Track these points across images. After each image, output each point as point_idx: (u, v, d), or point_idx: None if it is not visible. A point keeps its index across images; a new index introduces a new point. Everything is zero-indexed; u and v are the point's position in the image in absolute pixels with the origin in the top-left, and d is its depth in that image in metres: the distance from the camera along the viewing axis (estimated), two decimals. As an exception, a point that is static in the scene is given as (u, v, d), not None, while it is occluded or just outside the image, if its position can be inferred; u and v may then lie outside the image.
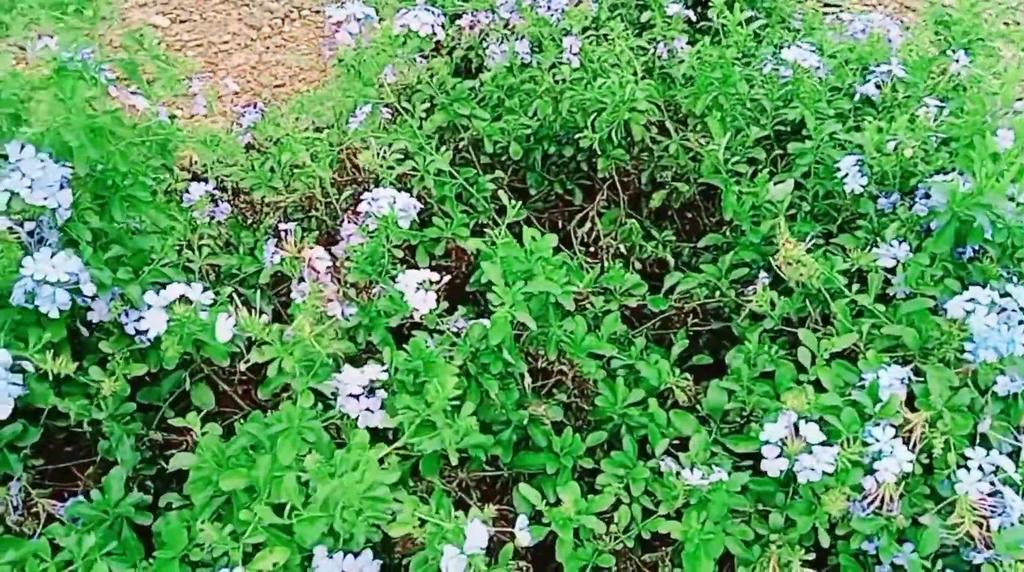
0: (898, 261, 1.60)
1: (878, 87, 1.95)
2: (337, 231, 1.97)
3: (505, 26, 2.39)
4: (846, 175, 1.77)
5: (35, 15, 1.58)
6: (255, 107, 2.09)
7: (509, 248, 1.57)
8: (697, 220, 2.33)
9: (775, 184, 1.95)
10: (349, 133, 2.04)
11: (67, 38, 1.56)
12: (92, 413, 1.58)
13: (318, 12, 4.22)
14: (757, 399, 1.65)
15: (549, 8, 2.17)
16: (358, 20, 1.90)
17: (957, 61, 1.88)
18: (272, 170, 2.04)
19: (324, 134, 2.07)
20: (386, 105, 2.07)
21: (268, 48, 3.95)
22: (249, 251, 1.90)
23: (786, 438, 1.37)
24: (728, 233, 2.10)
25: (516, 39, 2.25)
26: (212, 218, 1.88)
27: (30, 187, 1.47)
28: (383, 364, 1.52)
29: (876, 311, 1.55)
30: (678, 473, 1.48)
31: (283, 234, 1.71)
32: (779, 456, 1.37)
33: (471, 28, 2.43)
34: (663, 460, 1.53)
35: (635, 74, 1.97)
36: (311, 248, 1.71)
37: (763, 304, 1.77)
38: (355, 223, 1.92)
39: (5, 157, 1.54)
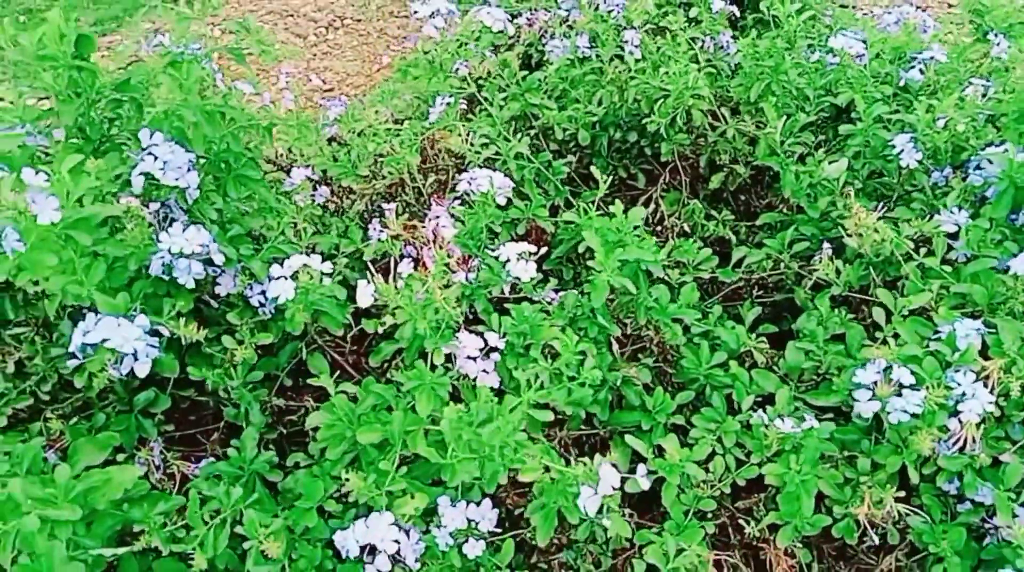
0: (959, 227, 1.74)
1: (921, 72, 2.09)
2: (424, 214, 2.10)
3: (563, 22, 2.53)
4: (901, 151, 1.91)
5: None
6: (339, 100, 2.22)
7: (603, 220, 1.70)
8: (749, 202, 2.47)
9: (829, 163, 2.09)
10: (430, 122, 2.17)
11: (180, 29, 1.68)
12: (224, 381, 1.69)
13: (359, 21, 4.35)
14: (832, 358, 1.78)
15: (608, 4, 2.30)
16: (443, 14, 2.02)
17: (998, 44, 2.02)
18: (360, 158, 2.16)
19: (405, 124, 2.20)
20: (462, 96, 2.21)
21: (315, 55, 4.08)
22: (343, 233, 2.02)
23: (876, 383, 1.50)
24: (784, 211, 2.24)
25: (577, 34, 2.38)
26: (312, 201, 2.00)
27: (163, 169, 1.59)
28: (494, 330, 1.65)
29: (943, 272, 1.68)
30: (767, 425, 1.61)
31: (386, 214, 1.84)
32: (871, 399, 1.50)
33: (530, 25, 2.57)
34: (754, 413, 1.66)
35: (696, 62, 2.10)
36: (436, 216, 1.85)
37: (829, 272, 1.90)
38: (441, 205, 2.05)
39: (135, 139, 1.67)
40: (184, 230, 1.57)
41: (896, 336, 1.65)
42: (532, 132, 2.27)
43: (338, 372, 1.86)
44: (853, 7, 3.85)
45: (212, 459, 1.82)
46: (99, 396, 1.85)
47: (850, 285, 1.91)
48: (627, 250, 1.68)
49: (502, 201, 1.79)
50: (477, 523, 1.59)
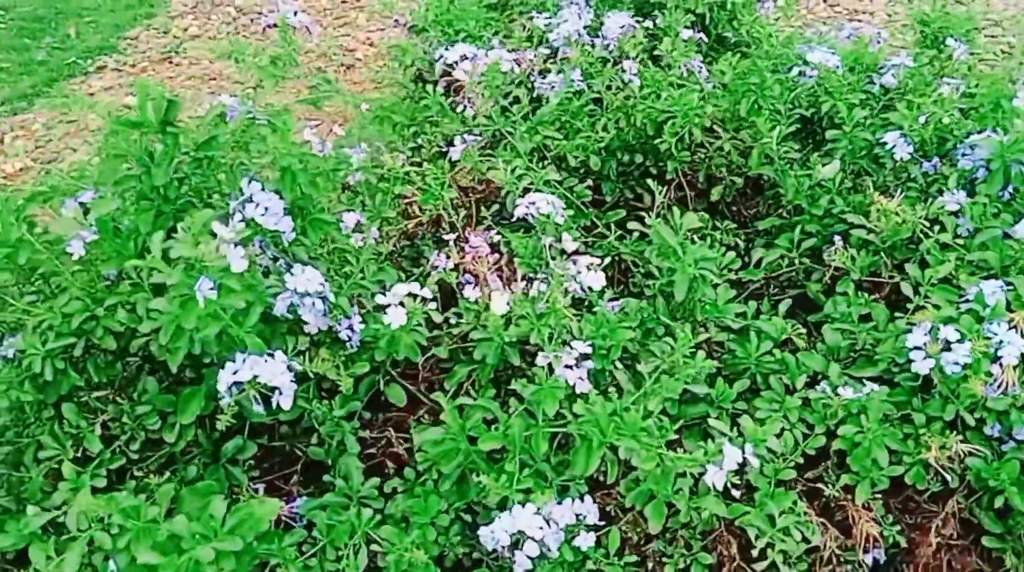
0: (960, 205, 1.98)
1: (893, 77, 2.36)
2: (461, 246, 2.22)
3: (546, 60, 2.71)
4: (894, 146, 2.16)
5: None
6: (360, 147, 2.33)
7: (662, 227, 1.87)
8: (740, 211, 2.68)
9: (823, 166, 2.33)
10: (453, 159, 2.30)
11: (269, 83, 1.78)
12: (329, 414, 1.77)
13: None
14: (865, 335, 1.98)
15: (605, 39, 2.49)
16: (467, 59, 2.17)
17: (958, 49, 2.31)
18: (384, 202, 2.27)
19: (425, 166, 2.33)
20: (476, 134, 2.36)
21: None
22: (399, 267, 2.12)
23: (925, 343, 1.70)
24: (783, 215, 2.46)
25: (571, 69, 2.56)
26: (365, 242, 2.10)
27: (264, 214, 1.68)
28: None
29: (955, 245, 1.91)
30: (833, 395, 1.79)
31: (450, 245, 1.96)
32: (925, 358, 1.70)
33: (519, 64, 2.74)
34: (818, 386, 1.84)
35: (700, 88, 2.31)
36: (476, 246, 1.98)
37: (845, 260, 2.11)
38: (479, 236, 2.18)
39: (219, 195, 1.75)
40: (303, 271, 1.65)
41: (924, 306, 1.86)
42: (545, 162, 2.42)
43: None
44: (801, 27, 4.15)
45: (305, 497, 1.88)
46: (182, 451, 1.90)
47: (863, 270, 2.13)
48: (689, 251, 1.84)
49: (560, 220, 1.94)
50: (584, 517, 1.70)
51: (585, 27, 2.58)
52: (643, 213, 2.55)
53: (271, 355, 1.60)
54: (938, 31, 2.52)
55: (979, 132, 2.05)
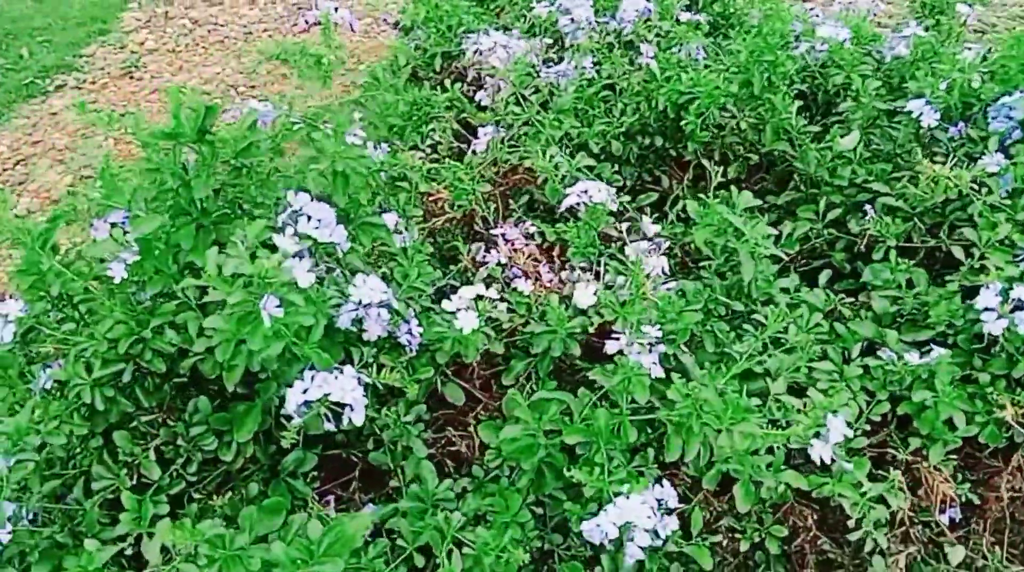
0: (999, 167, 2.00)
1: (907, 47, 2.39)
2: (494, 240, 2.18)
3: (551, 48, 2.68)
4: (920, 114, 2.18)
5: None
6: (381, 145, 2.27)
7: (717, 207, 1.86)
8: (750, 187, 2.69)
9: (842, 137, 2.34)
10: (478, 152, 2.26)
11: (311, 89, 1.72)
12: (397, 419, 1.72)
13: (253, 87, 4.40)
14: (911, 301, 2.00)
15: (621, 22, 2.47)
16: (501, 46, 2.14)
17: (971, 8, 2.34)
18: (410, 200, 2.22)
19: (446, 162, 2.28)
20: (498, 126, 2.32)
21: None
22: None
23: (994, 305, 1.72)
24: (801, 189, 2.47)
25: (581, 56, 2.54)
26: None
27: (317, 227, 1.62)
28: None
29: (1003, 205, 1.94)
30: (899, 361, 1.80)
31: (506, 240, 1.92)
32: (998, 318, 1.72)
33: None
34: (880, 353, 1.84)
35: (727, 67, 2.31)
36: (513, 239, 1.94)
37: (882, 229, 2.13)
38: (515, 229, 2.15)
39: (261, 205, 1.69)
40: (365, 281, 1.60)
41: (980, 268, 1.88)
42: (567, 150, 2.40)
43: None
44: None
45: (372, 505, 1.83)
46: (239, 470, 1.83)
47: (899, 237, 2.14)
48: (752, 230, 1.83)
49: (613, 207, 1.91)
50: (665, 501, 1.69)
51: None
52: (665, 193, 2.57)
53: (339, 370, 1.55)
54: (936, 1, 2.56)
55: (1008, 95, 2.08)
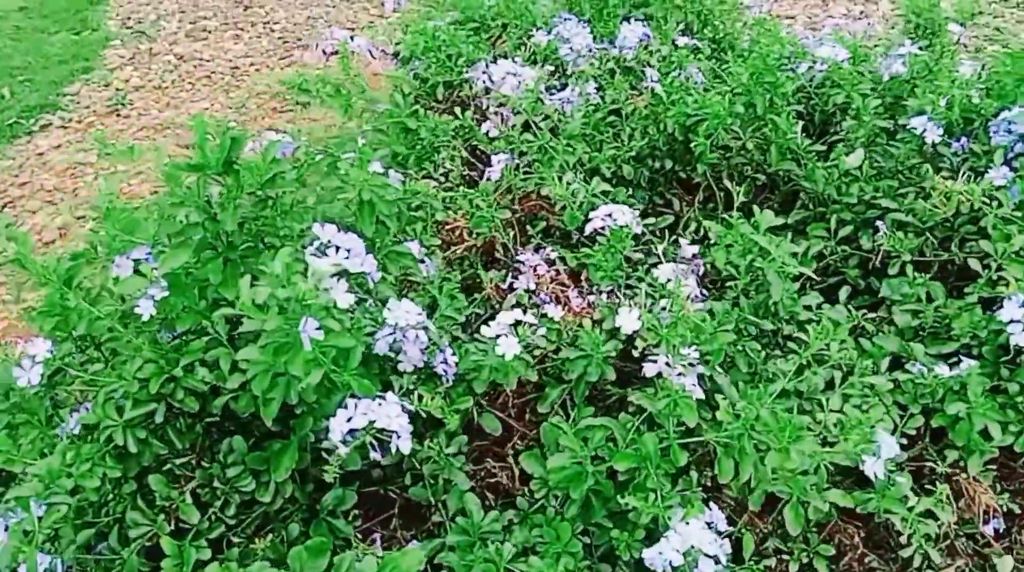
0: (1007, 179, 2.05)
1: (904, 65, 2.44)
2: (514, 266, 2.18)
3: (552, 75, 2.70)
4: (924, 131, 2.22)
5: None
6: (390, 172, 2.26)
7: (741, 227, 1.87)
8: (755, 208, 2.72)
9: (846, 156, 2.38)
10: (492, 180, 2.26)
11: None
12: (438, 452, 1.69)
13: (245, 120, 4.35)
14: (932, 314, 2.03)
15: (624, 49, 2.50)
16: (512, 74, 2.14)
17: (963, 27, 2.41)
18: (426, 230, 2.21)
19: (459, 190, 2.28)
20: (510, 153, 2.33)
21: None
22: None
23: (1019, 316, 1.75)
24: (809, 207, 2.50)
25: (584, 82, 2.56)
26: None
27: (347, 257, 1.60)
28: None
29: (1014, 217, 1.98)
30: (929, 373, 1.82)
31: (528, 267, 1.92)
32: (1024, 329, 1.75)
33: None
34: (909, 366, 1.86)
35: (732, 89, 2.34)
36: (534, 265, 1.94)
37: (895, 244, 2.16)
38: (535, 254, 2.15)
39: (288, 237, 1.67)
40: (399, 304, 1.58)
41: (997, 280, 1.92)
42: (581, 175, 2.41)
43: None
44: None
45: (416, 542, 1.79)
46: (277, 511, 1.79)
47: (913, 252, 2.18)
48: (777, 249, 1.85)
49: (638, 230, 1.92)
50: (715, 524, 1.68)
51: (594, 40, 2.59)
52: (678, 218, 2.58)
53: (382, 397, 1.52)
54: (927, 22, 2.62)
55: (1007, 109, 2.13)
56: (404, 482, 1.84)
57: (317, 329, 1.34)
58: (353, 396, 1.48)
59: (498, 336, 1.63)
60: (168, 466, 1.74)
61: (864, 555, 1.78)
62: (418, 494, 1.79)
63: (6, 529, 1.57)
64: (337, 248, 1.61)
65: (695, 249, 1.93)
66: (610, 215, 1.91)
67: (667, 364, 1.64)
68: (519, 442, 1.92)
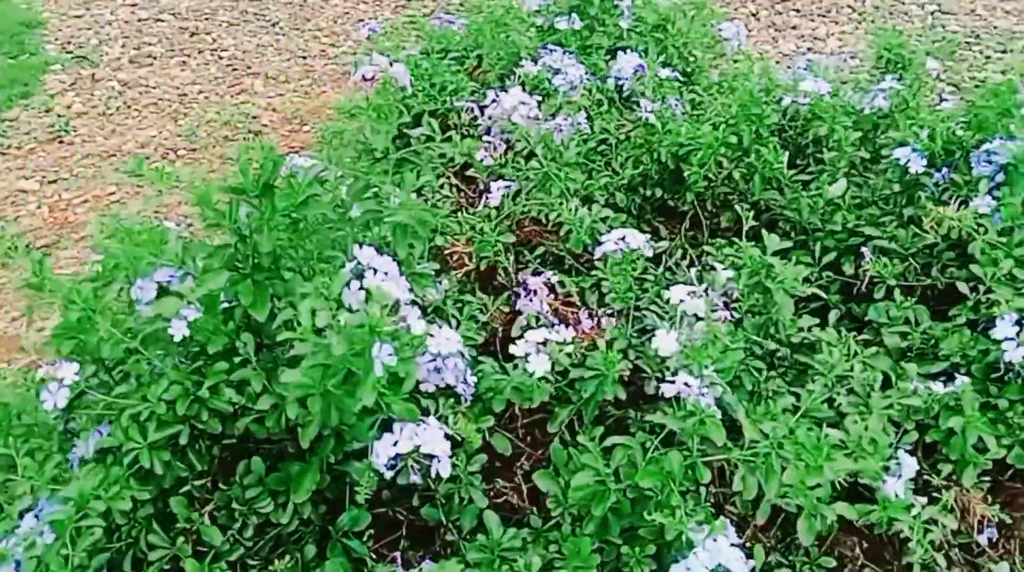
0: (990, 208, 2.17)
1: (885, 99, 2.57)
2: (516, 291, 2.22)
3: (541, 104, 2.77)
4: (907, 161, 2.34)
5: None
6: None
7: (750, 249, 1.95)
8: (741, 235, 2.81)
9: (829, 186, 2.49)
10: (492, 206, 2.31)
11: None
12: (462, 471, 1.72)
13: (194, 150, 4.33)
14: (919, 336, 2.13)
15: (619, 79, 2.58)
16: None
17: (942, 63, 2.55)
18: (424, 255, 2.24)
19: (459, 215, 2.32)
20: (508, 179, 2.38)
21: (163, 191, 4.04)
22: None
23: (1012, 334, 1.85)
24: (793, 235, 2.60)
25: (575, 112, 2.63)
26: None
27: (384, 280, 1.63)
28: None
29: (999, 243, 2.09)
30: (926, 391, 1.91)
31: (535, 290, 1.96)
32: (1018, 346, 1.85)
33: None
34: (903, 385, 1.95)
35: (725, 120, 2.44)
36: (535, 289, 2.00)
37: (879, 269, 2.26)
38: (536, 279, 2.20)
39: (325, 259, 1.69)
40: (440, 332, 1.61)
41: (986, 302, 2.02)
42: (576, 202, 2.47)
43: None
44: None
45: (428, 561, 1.80)
46: (291, 533, 1.79)
47: (898, 277, 2.28)
48: (784, 272, 1.93)
49: (649, 254, 1.98)
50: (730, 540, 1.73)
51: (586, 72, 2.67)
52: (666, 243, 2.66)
53: (424, 421, 1.55)
54: (897, 56, 2.77)
55: (988, 141, 2.26)
56: (411, 503, 1.85)
57: (390, 355, 1.36)
58: (390, 420, 1.50)
59: (527, 354, 1.66)
60: (186, 488, 1.72)
61: (864, 566, 1.85)
62: (430, 514, 1.81)
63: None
64: (375, 270, 1.63)
65: (730, 273, 2.00)
66: (623, 238, 1.96)
67: (686, 384, 1.70)
68: (527, 462, 1.95)
